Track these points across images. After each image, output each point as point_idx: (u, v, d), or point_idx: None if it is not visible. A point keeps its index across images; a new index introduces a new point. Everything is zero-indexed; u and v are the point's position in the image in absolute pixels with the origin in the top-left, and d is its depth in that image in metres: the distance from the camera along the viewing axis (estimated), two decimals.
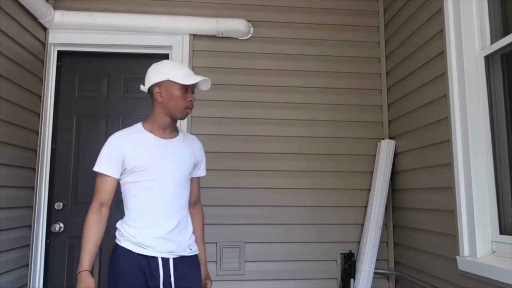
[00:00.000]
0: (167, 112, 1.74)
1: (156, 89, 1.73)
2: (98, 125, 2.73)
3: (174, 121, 1.79)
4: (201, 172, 1.93)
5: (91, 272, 1.59)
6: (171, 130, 1.81)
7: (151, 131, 1.76)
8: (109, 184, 1.69)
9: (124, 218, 1.73)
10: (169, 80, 1.71)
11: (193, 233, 1.83)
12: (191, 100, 1.74)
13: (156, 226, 1.69)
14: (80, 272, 1.56)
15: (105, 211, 1.69)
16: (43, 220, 2.55)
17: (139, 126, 1.80)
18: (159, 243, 1.68)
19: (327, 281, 2.68)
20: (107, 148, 1.71)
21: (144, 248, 1.67)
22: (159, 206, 1.71)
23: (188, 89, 1.74)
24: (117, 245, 1.70)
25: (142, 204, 1.70)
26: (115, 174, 1.69)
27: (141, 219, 1.69)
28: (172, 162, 1.74)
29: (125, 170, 1.70)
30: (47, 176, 2.59)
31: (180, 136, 1.85)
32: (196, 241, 1.85)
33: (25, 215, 2.44)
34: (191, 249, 1.78)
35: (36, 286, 2.49)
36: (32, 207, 2.51)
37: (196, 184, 1.93)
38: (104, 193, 1.69)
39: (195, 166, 1.86)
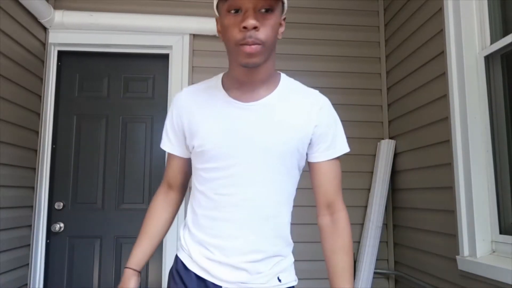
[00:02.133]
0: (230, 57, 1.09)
1: (217, 22, 1.11)
2: (98, 125, 2.73)
3: (255, 70, 1.05)
4: (328, 152, 1.14)
5: (139, 272, 1.17)
6: (258, 86, 1.09)
7: (227, 88, 1.12)
8: (172, 164, 1.22)
9: (186, 219, 1.21)
10: (219, 1, 1.03)
11: (330, 263, 1.22)
12: (245, 27, 0.95)
13: (216, 246, 1.09)
14: (124, 268, 1.16)
15: (174, 195, 1.23)
16: (43, 220, 2.55)
17: (218, 78, 1.17)
18: (220, 270, 1.09)
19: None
20: (169, 114, 1.20)
21: (200, 269, 1.11)
22: (223, 215, 1.08)
23: (242, 8, 0.97)
24: (176, 255, 1.21)
25: (201, 206, 1.12)
26: (178, 151, 1.18)
27: (202, 230, 1.12)
28: (250, 143, 1.06)
29: (187, 147, 1.17)
30: (47, 176, 2.59)
31: (274, 93, 1.11)
32: (334, 278, 1.21)
33: (25, 215, 2.44)
34: (279, 280, 1.13)
35: (36, 286, 2.49)
36: (32, 206, 2.51)
37: (324, 174, 1.17)
38: (170, 173, 1.22)
39: (310, 142, 1.13)
